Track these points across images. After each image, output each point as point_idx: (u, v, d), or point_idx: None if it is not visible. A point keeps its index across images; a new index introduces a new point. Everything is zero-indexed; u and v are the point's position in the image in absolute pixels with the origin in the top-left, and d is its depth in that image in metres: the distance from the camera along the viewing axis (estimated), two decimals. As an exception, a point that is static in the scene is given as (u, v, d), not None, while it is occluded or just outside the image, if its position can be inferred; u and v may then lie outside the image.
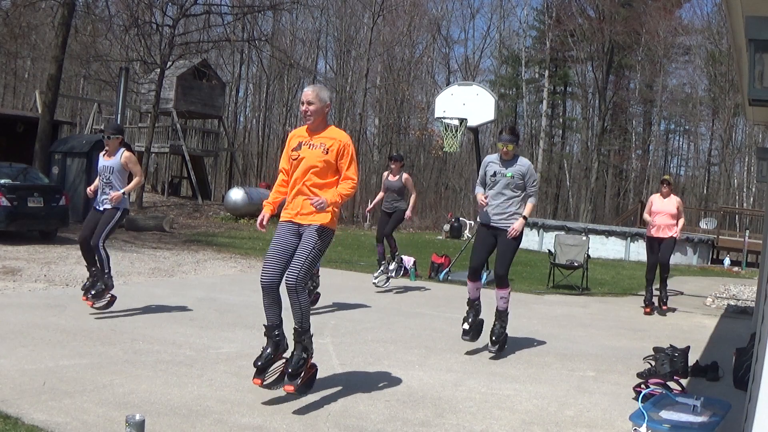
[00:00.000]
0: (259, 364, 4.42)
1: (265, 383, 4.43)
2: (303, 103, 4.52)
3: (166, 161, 34.47)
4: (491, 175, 6.25)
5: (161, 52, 23.24)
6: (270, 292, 4.43)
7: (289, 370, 4.37)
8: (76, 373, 4.86)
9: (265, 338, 4.53)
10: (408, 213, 9.90)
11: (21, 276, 8.98)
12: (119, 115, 18.96)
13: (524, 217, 6.18)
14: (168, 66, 23.42)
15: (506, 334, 6.32)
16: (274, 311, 4.48)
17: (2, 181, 12.75)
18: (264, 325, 4.54)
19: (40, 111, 20.25)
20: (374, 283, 9.91)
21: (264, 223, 4.63)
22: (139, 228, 16.36)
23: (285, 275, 4.39)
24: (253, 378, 4.45)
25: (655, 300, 9.53)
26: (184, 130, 26.77)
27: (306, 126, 4.61)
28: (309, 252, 4.38)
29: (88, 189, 7.05)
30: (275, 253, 4.47)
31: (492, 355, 6.21)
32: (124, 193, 6.80)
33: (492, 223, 6.20)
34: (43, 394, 4.35)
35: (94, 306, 6.79)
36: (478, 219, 6.53)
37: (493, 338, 6.21)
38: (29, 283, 8.47)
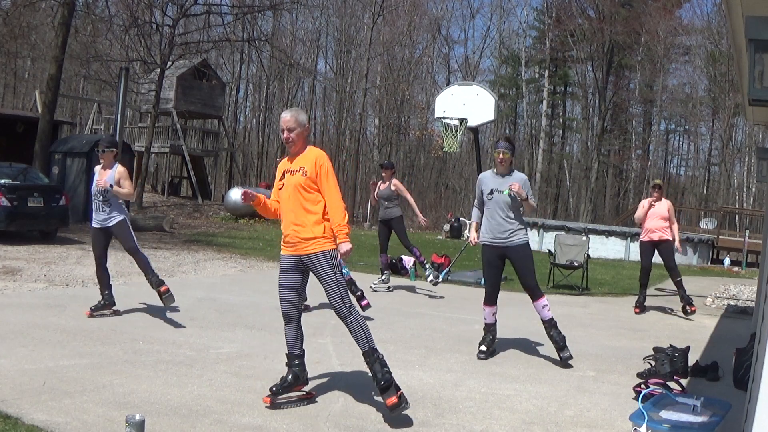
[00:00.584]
0: (274, 389, 4.47)
1: (273, 403, 4.44)
2: (284, 131, 4.52)
3: (166, 161, 34.50)
4: (488, 194, 6.12)
5: (161, 52, 23.24)
6: (291, 321, 4.59)
7: (382, 384, 4.30)
8: (76, 373, 4.86)
9: (286, 368, 4.60)
10: (421, 220, 10.19)
11: (21, 276, 8.98)
12: (119, 115, 18.88)
13: (526, 199, 6.01)
14: (168, 66, 23.42)
15: (565, 338, 6.14)
16: (295, 340, 4.62)
17: (2, 181, 12.75)
18: (286, 353, 4.64)
19: (40, 111, 20.25)
20: (372, 288, 9.88)
21: (248, 192, 4.56)
22: (139, 228, 16.33)
23: (333, 308, 4.45)
24: (265, 396, 4.47)
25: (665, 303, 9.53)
26: (184, 130, 26.78)
27: (289, 155, 4.64)
28: (331, 279, 4.42)
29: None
30: (286, 287, 4.57)
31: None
32: (111, 186, 6.75)
33: (496, 242, 6.10)
34: (43, 394, 4.35)
35: (165, 303, 6.83)
36: (482, 238, 6.33)
37: (561, 344, 6.04)
38: (29, 283, 8.47)
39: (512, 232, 6.04)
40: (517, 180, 6.09)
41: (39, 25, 25.43)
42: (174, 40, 23.28)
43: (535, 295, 6.09)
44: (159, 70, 23.34)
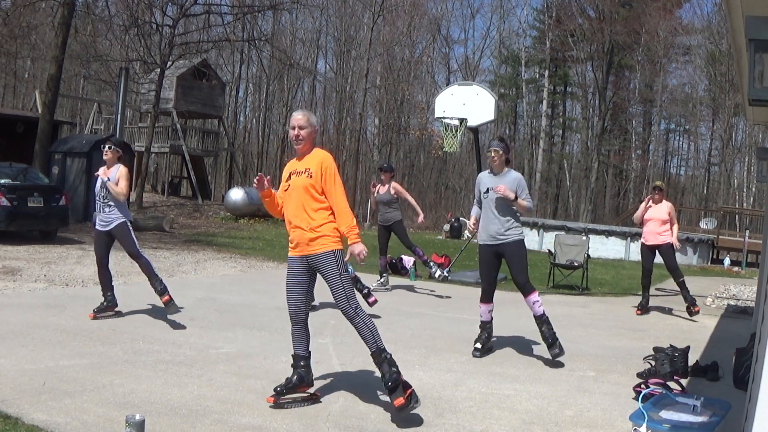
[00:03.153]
0: (278, 389, 4.45)
1: (277, 402, 4.42)
2: (294, 128, 4.55)
3: (166, 161, 34.49)
4: (484, 192, 6.22)
5: (161, 52, 23.23)
6: (297, 323, 4.59)
7: (389, 385, 4.29)
8: (76, 373, 4.86)
9: (292, 368, 4.57)
10: (420, 218, 10.19)
11: (21, 276, 8.97)
12: (119, 115, 18.94)
13: (515, 199, 6.04)
14: (168, 66, 23.41)
15: (555, 334, 6.10)
16: (302, 342, 4.61)
17: (2, 181, 12.75)
18: (292, 354, 4.62)
19: (40, 111, 20.25)
20: (371, 290, 9.91)
21: (263, 179, 4.62)
22: (139, 228, 16.29)
23: (339, 309, 4.43)
24: (269, 396, 4.46)
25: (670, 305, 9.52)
26: (184, 130, 26.77)
27: (297, 155, 4.66)
28: (337, 279, 4.41)
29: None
30: (293, 288, 4.57)
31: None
32: (108, 179, 6.72)
33: (492, 242, 6.16)
34: (43, 394, 4.35)
35: (168, 311, 6.73)
36: (477, 240, 6.44)
37: (550, 341, 6.01)
38: (29, 283, 8.47)
39: (507, 230, 6.11)
40: (511, 179, 6.16)
41: (39, 25, 25.44)
42: (174, 40, 23.26)
43: (525, 290, 6.13)
44: (159, 70, 23.33)
